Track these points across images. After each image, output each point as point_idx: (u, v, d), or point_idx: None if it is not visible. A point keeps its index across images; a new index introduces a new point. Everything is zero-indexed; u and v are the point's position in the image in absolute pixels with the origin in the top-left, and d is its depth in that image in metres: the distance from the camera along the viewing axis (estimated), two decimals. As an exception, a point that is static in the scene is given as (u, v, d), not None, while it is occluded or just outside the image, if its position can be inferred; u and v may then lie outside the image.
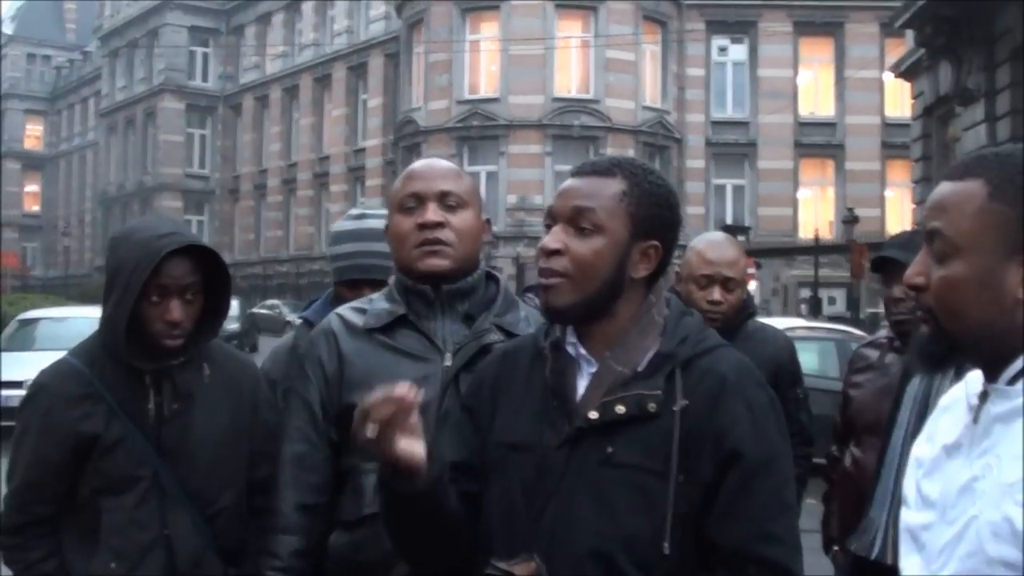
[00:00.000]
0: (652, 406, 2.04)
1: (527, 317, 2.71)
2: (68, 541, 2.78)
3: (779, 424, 2.11)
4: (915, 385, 3.10)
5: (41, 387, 2.81)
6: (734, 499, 2.01)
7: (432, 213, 2.62)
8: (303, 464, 2.65)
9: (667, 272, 2.25)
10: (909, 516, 1.74)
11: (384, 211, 3.28)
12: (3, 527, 2.79)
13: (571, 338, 2.18)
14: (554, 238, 2.14)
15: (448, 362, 2.59)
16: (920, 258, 1.67)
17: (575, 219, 2.13)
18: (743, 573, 1.98)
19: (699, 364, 2.10)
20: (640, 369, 2.09)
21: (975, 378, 1.70)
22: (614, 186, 2.13)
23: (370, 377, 2.50)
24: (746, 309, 4.04)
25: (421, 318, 2.65)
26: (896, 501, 2.35)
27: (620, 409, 2.04)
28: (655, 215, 2.15)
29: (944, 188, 1.66)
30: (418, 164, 2.78)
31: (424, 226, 2.61)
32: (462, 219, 2.65)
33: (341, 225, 3.40)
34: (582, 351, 2.15)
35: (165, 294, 2.73)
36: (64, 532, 2.79)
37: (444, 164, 2.78)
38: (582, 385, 2.13)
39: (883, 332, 4.07)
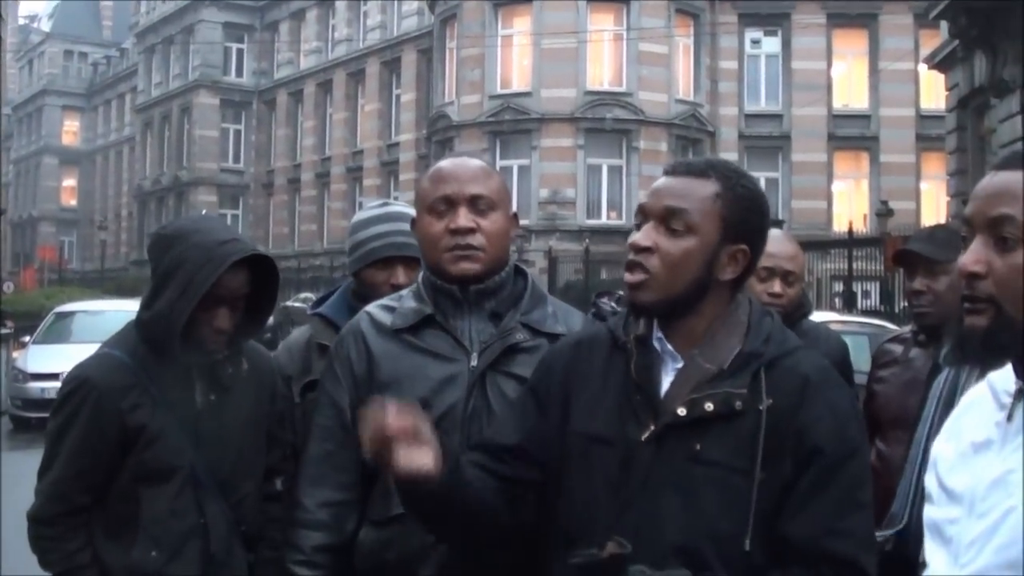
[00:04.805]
0: (739, 404, 2.06)
1: (554, 313, 2.70)
2: (98, 531, 2.81)
3: (859, 424, 2.15)
4: (941, 380, 3.09)
5: (86, 380, 2.80)
6: (809, 495, 2.02)
7: (464, 218, 2.59)
8: (328, 462, 2.66)
9: (753, 273, 2.26)
10: (933, 511, 1.73)
11: (406, 204, 3.31)
12: (40, 517, 2.81)
13: (657, 333, 2.18)
14: (645, 236, 2.14)
15: (475, 362, 2.57)
16: (976, 247, 1.65)
17: (667, 218, 2.13)
18: (814, 568, 1.99)
19: (782, 364, 2.12)
20: (726, 367, 2.11)
21: (1002, 376, 1.68)
22: (708, 188, 2.14)
23: (397, 378, 2.58)
24: (801, 307, 4.03)
25: (448, 317, 2.63)
26: (918, 496, 2.37)
27: (708, 406, 2.05)
28: (746, 219, 2.16)
29: (1010, 177, 1.65)
30: (447, 164, 2.71)
31: (456, 231, 2.58)
32: (492, 221, 2.62)
33: (364, 213, 3.37)
34: (668, 347, 2.16)
35: (217, 301, 2.76)
36: (94, 522, 2.82)
37: (473, 164, 2.71)
38: (666, 381, 2.14)
39: (907, 327, 4.06)
